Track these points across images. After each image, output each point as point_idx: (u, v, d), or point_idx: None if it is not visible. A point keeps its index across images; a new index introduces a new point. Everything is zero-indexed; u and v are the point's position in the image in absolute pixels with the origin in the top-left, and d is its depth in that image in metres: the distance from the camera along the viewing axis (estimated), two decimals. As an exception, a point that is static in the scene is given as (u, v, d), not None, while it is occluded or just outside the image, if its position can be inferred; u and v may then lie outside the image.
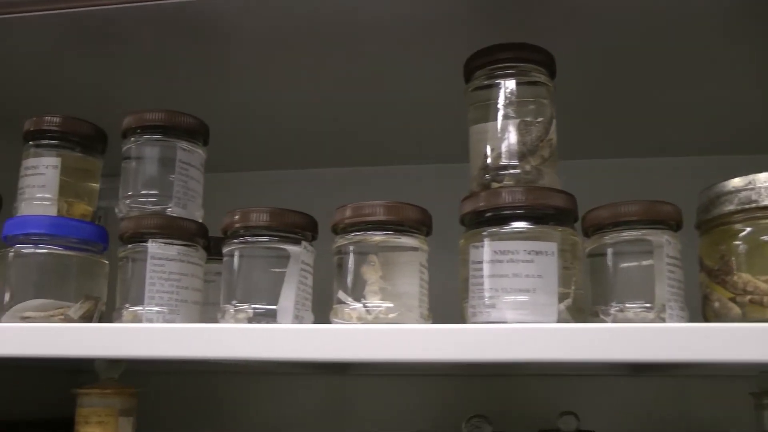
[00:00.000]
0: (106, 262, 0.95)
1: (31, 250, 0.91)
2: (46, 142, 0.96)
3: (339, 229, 0.85)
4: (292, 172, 1.51)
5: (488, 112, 0.86)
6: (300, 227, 0.86)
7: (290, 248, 0.85)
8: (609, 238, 0.83)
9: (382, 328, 0.74)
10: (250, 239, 0.86)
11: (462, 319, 0.82)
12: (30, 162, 0.95)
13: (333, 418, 1.44)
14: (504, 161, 0.84)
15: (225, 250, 0.87)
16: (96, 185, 0.98)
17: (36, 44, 1.01)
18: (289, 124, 1.28)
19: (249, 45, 0.99)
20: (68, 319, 0.89)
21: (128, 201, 0.92)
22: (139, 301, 0.87)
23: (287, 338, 0.75)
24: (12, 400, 1.35)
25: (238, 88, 1.12)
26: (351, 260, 0.83)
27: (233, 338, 0.77)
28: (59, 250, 0.91)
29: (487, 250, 0.79)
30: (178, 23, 0.94)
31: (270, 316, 0.83)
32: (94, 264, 0.93)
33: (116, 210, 0.93)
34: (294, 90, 1.13)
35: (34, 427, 1.22)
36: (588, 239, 0.86)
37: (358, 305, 0.80)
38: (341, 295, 0.82)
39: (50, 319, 0.89)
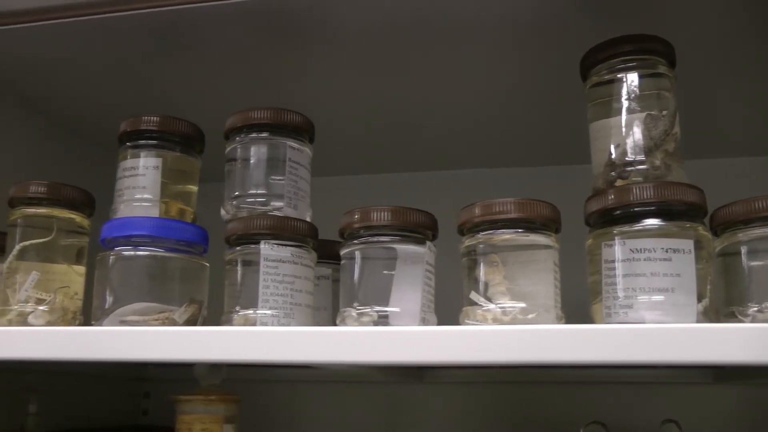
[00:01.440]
0: (207, 264, 0.91)
1: (134, 253, 0.88)
2: (144, 142, 0.93)
3: (467, 229, 0.82)
4: (384, 176, 1.48)
5: (610, 108, 0.84)
6: (423, 226, 0.83)
7: (414, 248, 0.82)
8: (743, 235, 0.80)
9: (538, 329, 0.71)
10: (371, 239, 0.82)
11: (591, 319, 0.79)
12: (128, 163, 0.92)
13: (400, 426, 1.42)
14: (630, 157, 0.82)
15: (344, 251, 0.84)
16: (195, 186, 0.95)
17: (110, 47, 1.00)
18: (385, 126, 1.25)
19: (341, 42, 0.97)
20: (172, 323, 0.86)
21: (235, 202, 0.89)
22: (251, 305, 0.84)
23: (428, 341, 0.72)
24: (80, 409, 1.32)
25: (322, 88, 1.10)
26: (482, 260, 0.80)
27: (371, 341, 0.74)
28: (161, 252, 0.88)
29: (620, 248, 0.76)
30: (262, 21, 0.92)
31: (394, 320, 0.80)
32: (196, 266, 0.90)
33: (222, 212, 0.90)
34: (393, 90, 1.10)
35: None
36: (717, 237, 0.83)
37: (492, 306, 0.77)
38: (473, 296, 0.79)
39: (153, 323, 0.85)
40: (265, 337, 0.77)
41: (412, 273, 0.81)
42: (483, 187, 1.37)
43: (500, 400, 1.39)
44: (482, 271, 0.80)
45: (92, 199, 0.95)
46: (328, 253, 0.94)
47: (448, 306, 0.84)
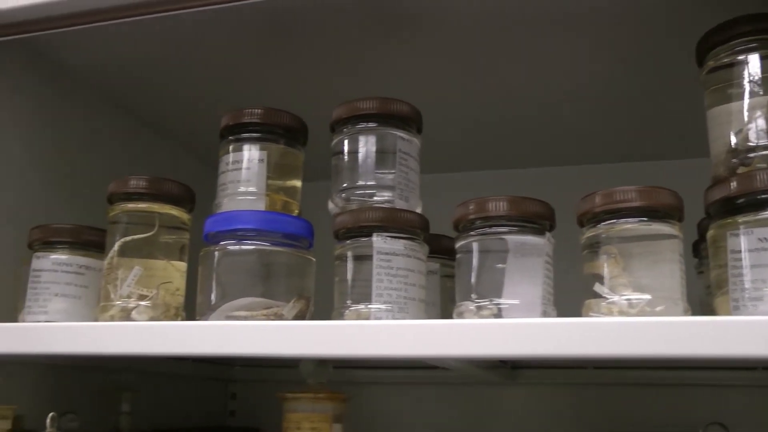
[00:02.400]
0: (314, 259, 0.89)
1: (239, 247, 0.86)
2: (248, 135, 0.91)
3: (587, 220, 0.78)
4: (489, 173, 1.45)
5: (730, 93, 0.80)
6: (541, 216, 0.79)
7: (533, 239, 0.79)
8: None
9: (681, 321, 0.67)
10: (488, 231, 0.79)
11: (713, 311, 0.75)
12: (231, 157, 0.90)
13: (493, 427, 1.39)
14: (752, 142, 0.77)
15: (459, 244, 0.81)
16: (299, 179, 0.93)
17: (197, 43, 0.99)
18: (487, 121, 1.22)
19: (449, 33, 0.94)
20: (280, 319, 0.84)
21: (344, 195, 0.87)
22: (363, 300, 0.81)
23: (563, 333, 0.69)
24: (169, 409, 1.31)
25: (422, 81, 1.07)
26: (603, 251, 0.76)
27: (499, 334, 0.70)
28: (268, 247, 0.86)
29: (746, 238, 0.73)
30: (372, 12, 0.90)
31: (514, 313, 0.76)
32: (303, 261, 0.88)
33: (330, 205, 0.88)
34: (498, 83, 1.08)
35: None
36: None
37: (617, 298, 0.74)
38: (597, 288, 0.75)
39: (260, 318, 0.83)
40: (384, 330, 0.74)
41: (531, 264, 0.78)
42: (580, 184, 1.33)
43: (593, 402, 1.36)
44: (603, 263, 0.77)
45: (193, 193, 0.93)
46: (435, 248, 0.91)
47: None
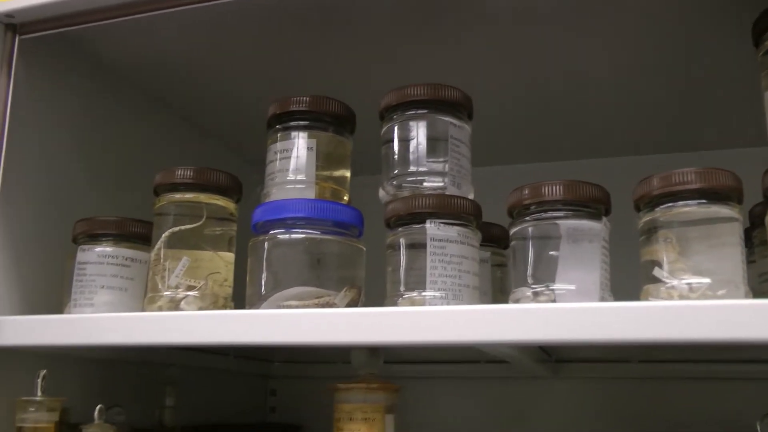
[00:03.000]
0: (364, 248, 0.88)
1: (289, 236, 0.85)
2: (296, 123, 0.90)
3: (644, 204, 0.77)
4: (534, 165, 1.45)
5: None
6: (597, 200, 0.78)
7: (590, 223, 0.77)
8: None
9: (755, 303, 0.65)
10: (543, 216, 0.78)
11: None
12: (279, 146, 0.90)
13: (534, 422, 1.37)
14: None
15: (514, 230, 0.80)
16: (348, 168, 0.92)
17: (254, 31, 0.98)
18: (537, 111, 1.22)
19: (488, 21, 0.93)
20: (332, 308, 0.82)
21: (395, 182, 0.86)
22: (417, 287, 0.80)
23: (627, 317, 0.67)
24: (211, 405, 1.31)
25: (469, 68, 1.06)
26: (661, 236, 0.75)
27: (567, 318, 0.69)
28: (318, 235, 0.85)
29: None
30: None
31: (571, 298, 0.75)
32: (353, 250, 0.87)
33: (381, 193, 0.87)
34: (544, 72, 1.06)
35: (232, 429, 1.16)
36: None
37: (676, 282, 0.72)
38: (656, 272, 0.74)
39: (311, 307, 0.82)
40: (439, 316, 0.74)
41: (587, 249, 0.77)
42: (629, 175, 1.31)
43: (637, 397, 1.34)
44: (662, 248, 0.75)
45: (239, 183, 0.93)
46: (485, 236, 0.89)
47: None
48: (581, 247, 0.77)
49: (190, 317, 0.82)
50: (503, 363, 1.30)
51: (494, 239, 0.97)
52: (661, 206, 0.76)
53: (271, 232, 0.85)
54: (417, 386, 1.39)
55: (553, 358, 1.30)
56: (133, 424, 1.05)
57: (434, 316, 0.73)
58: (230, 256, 0.92)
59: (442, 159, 0.85)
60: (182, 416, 1.19)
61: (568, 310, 0.69)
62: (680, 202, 0.75)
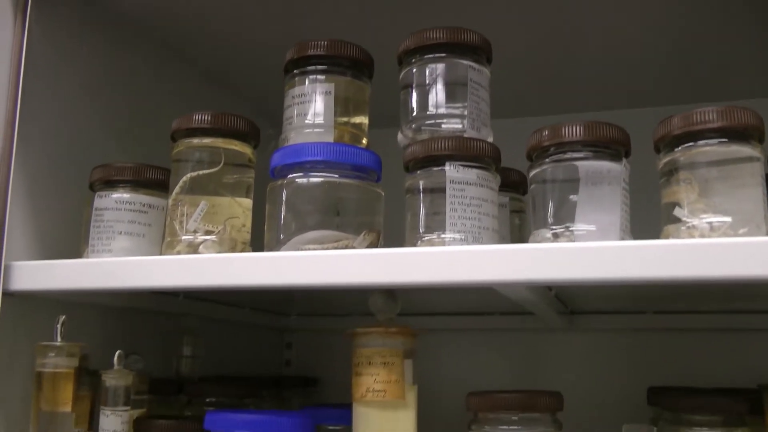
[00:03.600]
0: (383, 193, 0.87)
1: (308, 180, 0.85)
2: (313, 68, 0.89)
3: (664, 144, 0.76)
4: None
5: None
6: (618, 142, 0.77)
7: (610, 164, 0.77)
8: None
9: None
10: (563, 157, 0.77)
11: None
12: (297, 90, 0.89)
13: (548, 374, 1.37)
14: None
15: (533, 172, 0.80)
16: (366, 115, 0.91)
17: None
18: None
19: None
20: (351, 252, 0.82)
21: (414, 125, 0.85)
22: (436, 229, 0.79)
23: (650, 255, 0.67)
24: (227, 357, 1.31)
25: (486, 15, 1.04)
26: (681, 176, 0.74)
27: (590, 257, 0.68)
28: (337, 179, 0.84)
29: None
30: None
31: (591, 239, 0.75)
32: (372, 194, 0.87)
33: (399, 137, 0.86)
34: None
35: (248, 381, 1.16)
36: None
37: (696, 221, 0.72)
38: (677, 212, 0.73)
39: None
40: (459, 255, 0.74)
41: (607, 191, 0.76)
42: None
43: (652, 349, 1.34)
44: (682, 189, 0.74)
45: (257, 129, 0.92)
46: (504, 181, 0.89)
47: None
48: (601, 188, 0.76)
49: (209, 260, 0.82)
50: (518, 315, 1.31)
51: (513, 185, 0.96)
52: (682, 146, 0.75)
53: (290, 176, 0.85)
54: (432, 339, 1.39)
55: (569, 309, 1.30)
56: (150, 373, 1.06)
57: (453, 256, 0.73)
58: (248, 203, 0.92)
59: (461, 103, 0.84)
60: (199, 368, 1.20)
61: (588, 248, 0.69)
62: (701, 142, 0.74)
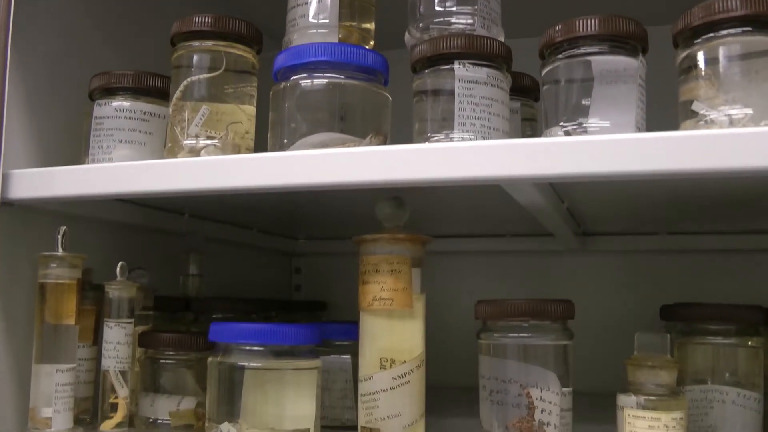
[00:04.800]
0: (390, 97, 0.84)
1: (312, 81, 0.82)
2: (317, -34, 0.85)
3: (683, 38, 0.73)
4: None
5: None
6: (634, 37, 0.74)
7: (626, 60, 0.74)
8: None
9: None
10: (577, 53, 0.74)
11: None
12: (300, -10, 0.85)
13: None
14: None
15: (546, 70, 0.77)
16: (372, 19, 0.88)
17: None
18: None
19: None
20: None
21: (421, 24, 0.82)
22: (444, 129, 0.77)
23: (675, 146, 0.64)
24: (236, 280, 1.30)
25: None
26: (701, 69, 0.71)
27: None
28: (342, 80, 0.81)
29: None
30: None
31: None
32: (379, 96, 0.84)
33: (406, 37, 0.83)
34: None
35: (256, 304, 1.15)
36: None
37: (715, 114, 0.69)
38: (695, 106, 0.71)
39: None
40: (467, 152, 0.71)
41: (622, 86, 0.73)
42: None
43: (665, 271, 1.31)
44: (701, 83, 0.71)
45: (260, 33, 0.89)
46: (516, 86, 0.86)
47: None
48: (617, 85, 0.74)
49: (212, 162, 0.79)
50: (529, 237, 1.29)
51: (525, 90, 0.93)
52: (702, 38, 0.72)
53: (293, 78, 0.82)
54: (443, 262, 1.38)
55: (582, 229, 1.28)
56: (156, 290, 1.04)
57: (458, 152, 0.71)
58: (251, 110, 0.89)
59: (470, 2, 0.81)
60: (206, 287, 1.19)
61: (598, 141, 0.67)
62: (723, 32, 0.71)
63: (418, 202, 0.86)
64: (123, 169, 0.83)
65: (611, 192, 0.90)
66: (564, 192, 0.90)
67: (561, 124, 0.74)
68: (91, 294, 0.96)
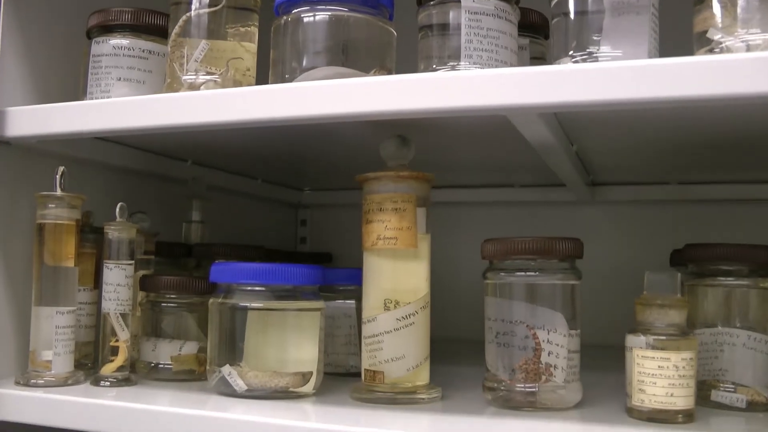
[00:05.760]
0: (394, 32, 0.82)
1: (314, 15, 0.80)
2: None
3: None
4: None
5: None
6: (647, -36, 0.71)
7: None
8: None
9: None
10: (591, -17, 0.72)
11: None
12: (299, -77, 0.83)
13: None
14: None
15: (556, 1, 0.74)
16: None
17: None
18: None
19: None
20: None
21: (423, -45, 0.79)
22: (451, 60, 0.74)
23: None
24: (242, 230, 1.28)
25: None
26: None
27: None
28: (345, 12, 0.79)
29: None
30: None
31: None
32: (383, 31, 0.82)
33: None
34: None
35: (260, 251, 1.13)
36: None
37: (731, 40, 0.66)
38: (711, 33, 0.68)
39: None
40: (473, 79, 0.68)
41: (636, 18, 0.71)
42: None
43: (674, 221, 1.29)
44: (716, 12, 0.69)
45: (266, -30, 0.86)
46: (524, 23, 0.84)
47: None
48: (629, 14, 0.71)
49: (213, 95, 0.78)
50: (539, 187, 1.27)
51: (534, 27, 0.91)
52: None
53: (294, 11, 0.80)
54: (452, 212, 1.36)
55: (591, 178, 1.25)
56: (158, 234, 1.03)
57: (461, 81, 0.69)
58: (252, 47, 0.87)
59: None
60: (209, 233, 1.17)
61: (607, 68, 0.64)
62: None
63: (426, 146, 0.84)
64: (121, 104, 0.81)
65: (620, 134, 0.88)
66: (573, 133, 0.87)
67: (570, 53, 0.71)
68: (92, 237, 0.95)
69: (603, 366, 0.82)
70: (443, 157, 1.06)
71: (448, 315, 1.17)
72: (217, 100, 0.76)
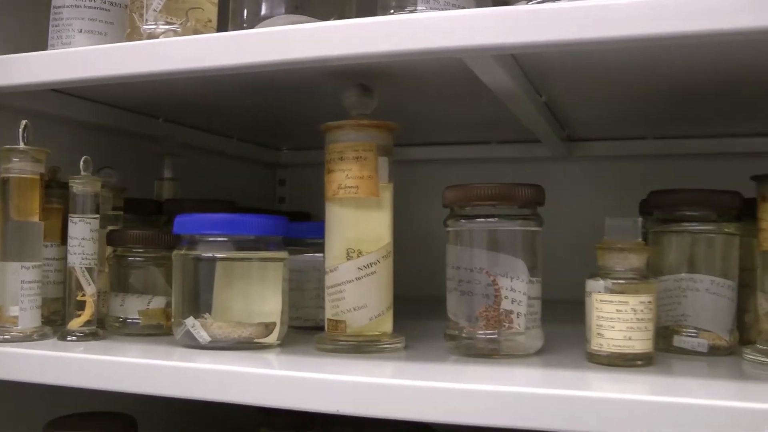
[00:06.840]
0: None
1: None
2: None
3: None
4: None
5: None
6: None
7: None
8: None
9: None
10: None
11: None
12: None
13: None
14: None
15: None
16: None
17: None
18: None
19: None
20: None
21: None
22: (409, 5, 0.74)
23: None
24: (219, 190, 1.27)
25: None
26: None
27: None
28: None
29: None
30: None
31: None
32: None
33: None
34: None
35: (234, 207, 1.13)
36: None
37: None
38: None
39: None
40: (430, 21, 0.68)
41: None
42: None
43: (651, 176, 1.28)
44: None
45: None
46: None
47: None
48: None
49: (173, 42, 0.77)
50: (515, 143, 1.26)
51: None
52: None
53: (257, -43, 0.79)
54: (426, 169, 1.35)
55: (567, 134, 1.25)
56: (127, 190, 1.02)
57: (417, 23, 0.68)
58: (214, -2, 0.86)
59: None
60: (180, 191, 1.17)
61: (565, 7, 0.63)
62: None
63: (393, 98, 0.84)
64: (82, 53, 0.81)
65: (591, 83, 0.88)
66: (538, 80, 0.87)
67: (531, -3, 0.70)
68: (59, 192, 0.94)
69: (572, 319, 0.82)
70: (412, 111, 1.06)
71: (424, 274, 1.17)
72: (177, 48, 0.75)
